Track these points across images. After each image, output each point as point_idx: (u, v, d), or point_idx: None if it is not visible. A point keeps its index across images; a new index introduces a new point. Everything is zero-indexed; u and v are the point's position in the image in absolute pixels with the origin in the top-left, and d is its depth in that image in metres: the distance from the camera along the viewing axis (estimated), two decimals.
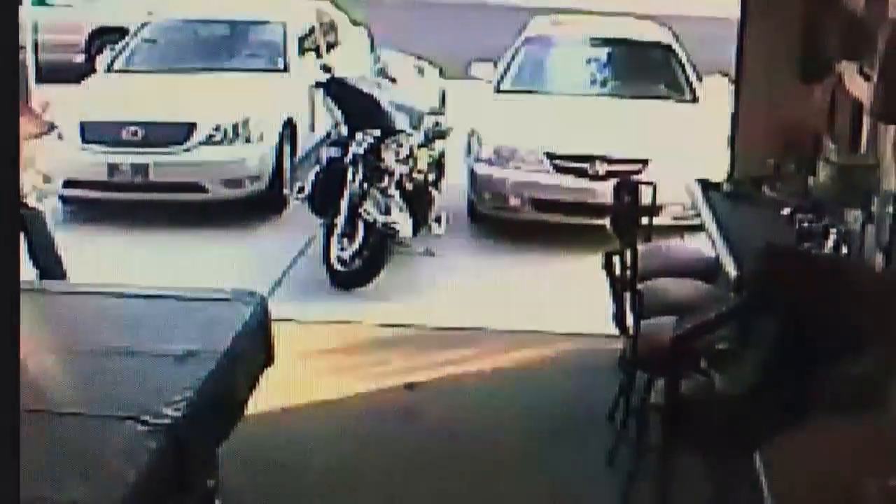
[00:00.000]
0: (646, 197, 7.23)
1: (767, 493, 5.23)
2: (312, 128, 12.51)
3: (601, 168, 10.41)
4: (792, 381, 5.06)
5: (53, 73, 13.95)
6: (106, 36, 16.83)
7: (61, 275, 8.38)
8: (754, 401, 5.24)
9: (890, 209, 5.68)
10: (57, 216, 10.87)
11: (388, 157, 9.60)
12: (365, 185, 9.41)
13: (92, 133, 11.09)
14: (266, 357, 6.17)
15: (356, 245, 9.39)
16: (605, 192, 8.54)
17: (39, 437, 4.20)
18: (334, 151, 9.79)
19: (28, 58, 15.34)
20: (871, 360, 4.95)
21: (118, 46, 13.13)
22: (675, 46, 12.44)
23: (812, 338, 5.06)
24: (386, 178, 9.54)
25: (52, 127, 10.53)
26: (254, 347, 5.97)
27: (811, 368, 4.97)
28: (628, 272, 6.32)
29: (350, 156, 9.50)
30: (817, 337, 5.05)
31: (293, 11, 13.74)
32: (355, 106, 9.96)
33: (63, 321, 6.04)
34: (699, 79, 12.03)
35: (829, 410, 4.83)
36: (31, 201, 8.41)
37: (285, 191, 11.38)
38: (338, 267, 9.43)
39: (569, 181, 10.57)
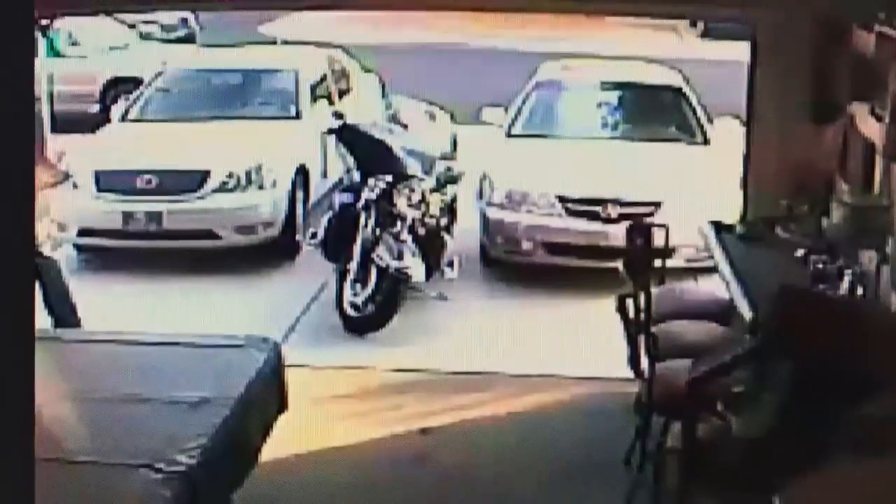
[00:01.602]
0: (658, 239, 7.22)
1: None
2: (325, 174, 12.54)
3: (613, 211, 10.40)
4: (809, 423, 5.03)
5: (68, 124, 13.99)
6: (120, 86, 16.95)
7: (76, 323, 8.39)
8: (772, 443, 5.20)
9: None
10: (71, 264, 10.89)
11: (401, 203, 9.61)
12: (377, 230, 9.42)
13: (106, 182, 11.14)
14: (280, 403, 6.17)
15: (369, 290, 9.39)
16: (617, 234, 8.54)
17: (54, 486, 4.19)
18: (347, 197, 9.80)
19: (43, 108, 15.39)
20: (889, 402, 4.92)
21: (132, 96, 13.22)
22: (686, 89, 12.46)
23: (829, 380, 5.04)
24: (398, 223, 9.55)
25: (66, 176, 10.59)
26: (267, 394, 5.96)
27: (829, 410, 4.94)
28: (642, 315, 6.29)
29: (362, 201, 9.51)
30: (834, 379, 5.03)
31: (305, 59, 13.81)
32: (367, 152, 9.99)
33: (77, 369, 6.04)
34: (710, 121, 12.03)
35: (848, 452, 4.79)
36: (45, 250, 8.43)
37: (298, 237, 11.40)
38: (351, 312, 9.42)
39: (581, 224, 10.56)
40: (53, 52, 17.29)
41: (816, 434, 4.97)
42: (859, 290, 6.02)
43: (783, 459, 5.02)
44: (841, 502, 4.40)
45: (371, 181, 9.58)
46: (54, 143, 10.93)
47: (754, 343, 5.74)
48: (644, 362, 6.28)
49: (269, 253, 11.29)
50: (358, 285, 9.39)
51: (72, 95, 16.44)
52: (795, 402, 5.20)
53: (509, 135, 12.06)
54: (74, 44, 18.21)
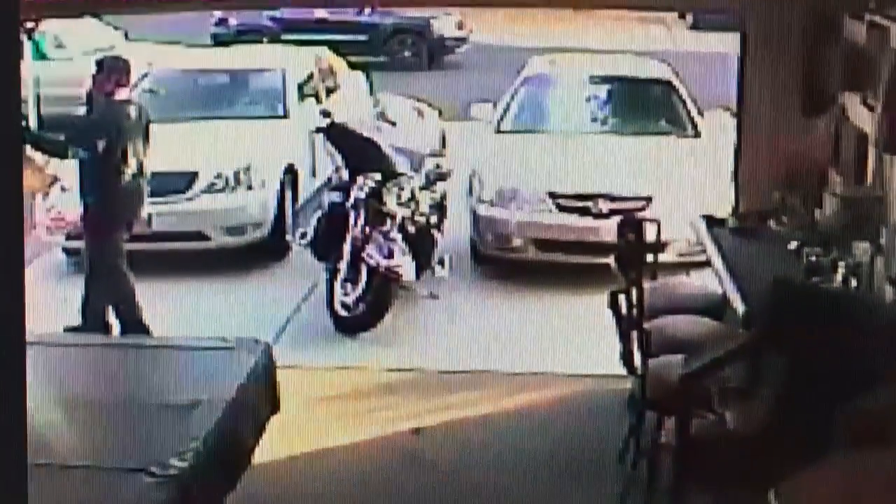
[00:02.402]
0: (650, 234, 7.18)
1: None
2: (313, 173, 12.49)
3: (604, 206, 10.36)
4: (805, 418, 5.00)
5: (55, 127, 13.95)
6: None
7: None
8: (768, 439, 5.18)
9: None
10: (61, 268, 10.86)
11: (390, 201, 9.57)
12: (367, 229, 9.38)
13: None
14: (272, 405, 6.14)
15: (360, 290, 9.34)
16: (608, 230, 8.50)
17: (47, 491, 4.15)
18: (336, 196, 9.77)
19: (30, 111, 15.36)
20: (885, 395, 4.89)
21: None
22: (675, 82, 12.42)
23: (824, 374, 5.01)
24: (388, 222, 9.51)
25: (55, 179, 10.54)
26: (259, 395, 5.93)
27: (824, 405, 4.92)
28: (634, 311, 6.27)
29: (351, 200, 9.47)
30: (829, 373, 5.00)
31: (292, 58, 13.76)
32: (356, 150, 9.95)
33: (69, 373, 6.00)
34: (700, 114, 12.00)
35: (845, 447, 4.77)
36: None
37: (287, 237, 11.35)
38: (342, 312, 9.37)
39: (572, 220, 10.52)
40: (39, 55, 17.23)
41: (812, 429, 4.94)
42: (853, 283, 5.99)
43: (780, 455, 4.99)
44: (838, 498, 4.38)
45: (360, 180, 9.54)
46: None
47: (748, 338, 5.72)
48: (637, 358, 6.25)
49: (258, 254, 11.25)
50: (348, 285, 9.35)
51: (58, 98, 16.36)
52: (790, 397, 5.17)
53: (498, 131, 12.02)
54: (60, 46, 18.13)
